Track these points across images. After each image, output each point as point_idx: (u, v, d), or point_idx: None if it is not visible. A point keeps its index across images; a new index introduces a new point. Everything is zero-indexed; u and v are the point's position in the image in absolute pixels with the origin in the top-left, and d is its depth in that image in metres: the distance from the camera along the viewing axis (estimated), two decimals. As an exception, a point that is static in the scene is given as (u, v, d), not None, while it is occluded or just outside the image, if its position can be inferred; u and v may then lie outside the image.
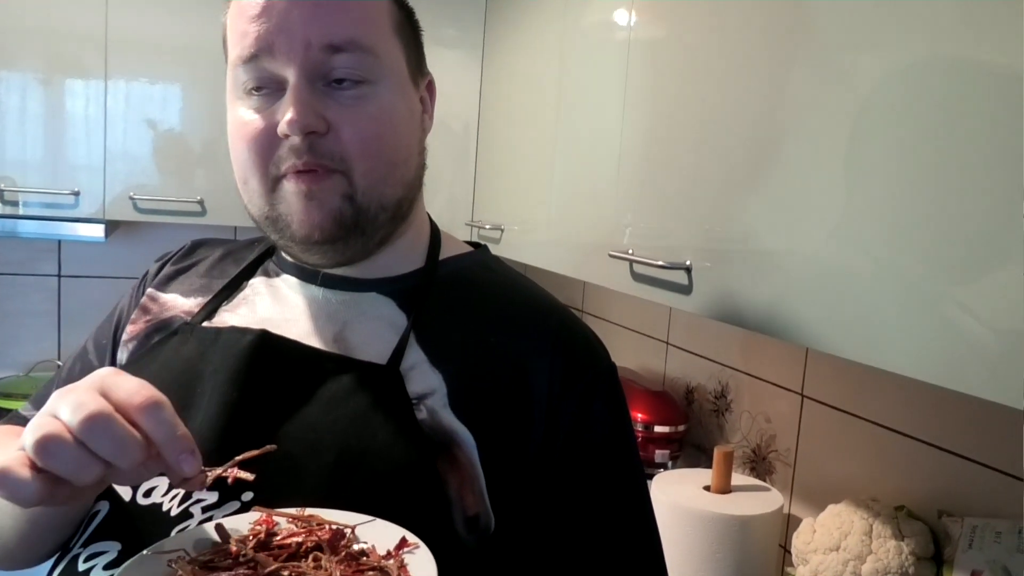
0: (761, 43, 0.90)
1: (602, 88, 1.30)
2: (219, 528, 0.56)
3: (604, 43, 1.30)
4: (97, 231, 1.95)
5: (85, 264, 2.31)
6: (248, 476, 0.57)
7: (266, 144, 0.67)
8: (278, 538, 0.55)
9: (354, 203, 0.68)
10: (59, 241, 2.27)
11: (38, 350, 2.28)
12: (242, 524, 0.58)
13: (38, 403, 0.82)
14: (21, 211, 1.90)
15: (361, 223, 0.69)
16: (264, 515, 0.58)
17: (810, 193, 0.81)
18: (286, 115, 0.65)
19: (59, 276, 2.31)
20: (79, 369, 0.81)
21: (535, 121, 1.61)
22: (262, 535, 0.55)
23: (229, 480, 0.57)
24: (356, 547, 0.55)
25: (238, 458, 0.58)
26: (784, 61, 0.86)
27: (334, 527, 0.56)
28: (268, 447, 0.59)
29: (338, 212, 0.68)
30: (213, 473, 0.56)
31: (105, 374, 0.54)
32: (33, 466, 0.50)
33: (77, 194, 1.91)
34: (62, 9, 1.87)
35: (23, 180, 1.89)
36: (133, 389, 0.52)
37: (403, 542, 0.55)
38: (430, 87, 0.78)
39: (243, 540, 0.55)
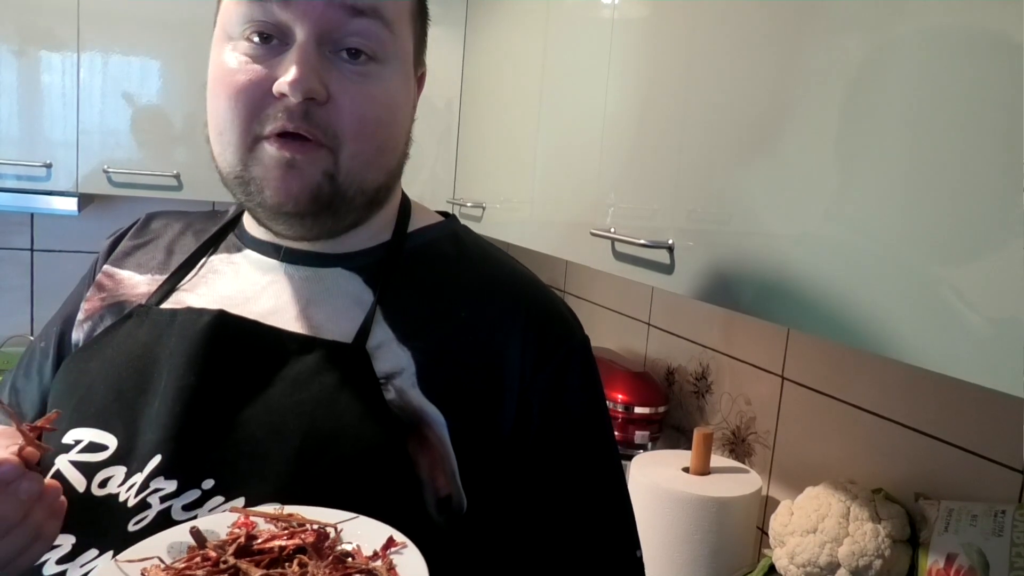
0: (751, 21, 0.88)
1: (586, 66, 1.28)
2: (195, 532, 0.53)
3: (589, 20, 1.28)
4: (70, 204, 1.91)
5: (58, 238, 2.27)
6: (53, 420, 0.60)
7: (256, 98, 0.63)
8: (259, 541, 0.53)
9: (334, 182, 0.65)
10: (32, 214, 2.23)
11: (10, 324, 2.24)
12: (218, 526, 0.55)
13: None
14: (-7, 183, 1.86)
15: (336, 203, 0.66)
16: (242, 516, 0.55)
17: (802, 173, 0.79)
18: (288, 74, 0.61)
19: (32, 250, 2.26)
20: (26, 362, 0.80)
21: (518, 99, 1.58)
22: (242, 539, 0.53)
23: (39, 431, 0.58)
24: (341, 548, 0.52)
25: (26, 427, 0.58)
26: (776, 39, 0.84)
27: (317, 528, 0.53)
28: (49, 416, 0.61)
29: (317, 187, 0.64)
30: (26, 439, 0.57)
31: None
32: None
33: (49, 166, 1.87)
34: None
35: (-3, 153, 1.86)
36: None
37: (390, 541, 0.52)
38: (421, 79, 0.76)
39: (222, 545, 0.52)
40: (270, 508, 0.56)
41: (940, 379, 0.62)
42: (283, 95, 0.62)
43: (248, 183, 0.65)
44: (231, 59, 0.64)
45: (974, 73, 0.63)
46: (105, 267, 0.78)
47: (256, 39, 0.64)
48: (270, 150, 0.63)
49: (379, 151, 0.67)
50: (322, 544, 0.52)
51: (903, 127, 0.68)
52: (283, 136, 0.63)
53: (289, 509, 0.56)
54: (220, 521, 0.55)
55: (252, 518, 0.55)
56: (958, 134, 0.63)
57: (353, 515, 0.55)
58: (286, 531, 0.53)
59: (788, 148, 0.81)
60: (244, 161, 0.65)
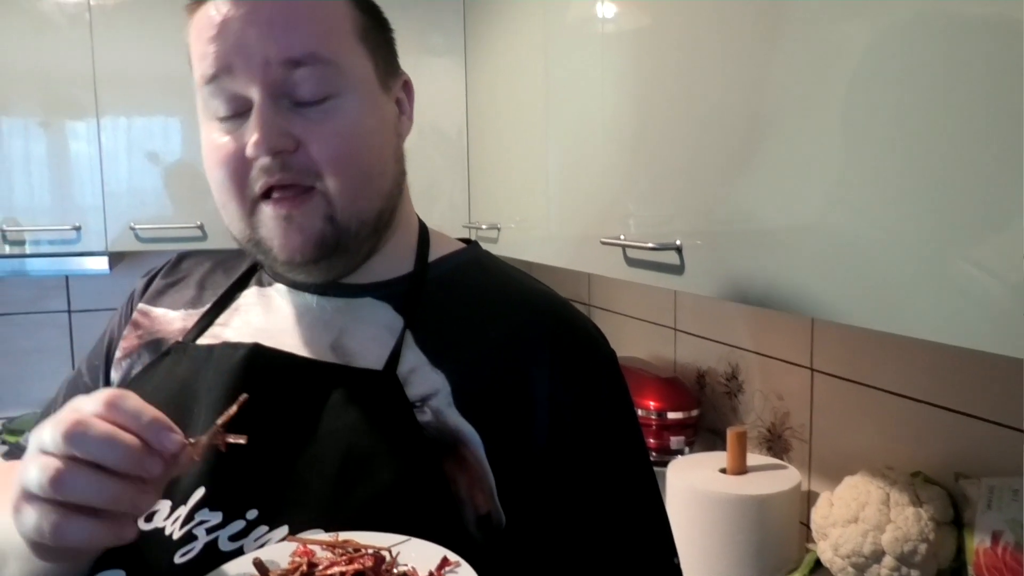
0: (746, 18, 0.89)
1: (587, 79, 1.29)
2: (258, 563, 0.55)
3: (586, 33, 1.30)
4: (101, 264, 1.98)
5: (93, 298, 2.33)
6: (241, 439, 0.57)
7: (239, 167, 0.67)
8: (320, 568, 0.54)
9: (335, 223, 0.68)
10: (66, 277, 2.30)
11: (53, 387, 2.27)
12: (279, 555, 0.56)
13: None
14: (27, 250, 1.94)
15: (343, 242, 0.69)
16: (300, 545, 0.56)
17: (805, 163, 0.80)
18: (252, 137, 0.65)
19: (69, 312, 2.33)
20: (73, 393, 0.82)
21: (524, 119, 1.60)
22: (304, 567, 0.54)
23: (222, 447, 0.57)
24: (397, 570, 0.54)
25: (220, 422, 0.57)
26: (770, 33, 0.85)
27: (374, 552, 0.55)
28: (242, 398, 0.59)
29: (319, 234, 0.67)
30: (199, 443, 0.55)
31: (69, 406, 0.54)
32: (66, 508, 0.51)
33: (79, 229, 1.94)
34: (50, 52, 1.90)
35: (29, 221, 1.93)
36: (94, 398, 0.54)
37: (444, 561, 0.54)
38: (407, 87, 0.77)
39: (284, 574, 0.54)
40: (321, 535, 0.57)
41: (967, 355, 0.62)
42: (256, 157, 0.66)
43: (259, 243, 0.69)
44: (214, 138, 0.69)
45: (972, 46, 0.63)
46: (140, 305, 0.82)
47: (224, 113, 0.68)
48: (267, 210, 0.67)
49: (364, 178, 0.69)
50: (380, 568, 0.53)
51: (906, 107, 0.68)
52: (275, 194, 0.67)
53: (343, 535, 0.57)
54: (280, 551, 0.57)
55: (310, 546, 0.56)
56: (959, 108, 0.63)
57: (405, 537, 0.56)
58: (344, 557, 0.55)
59: (786, 140, 0.82)
60: (251, 225, 0.69)
